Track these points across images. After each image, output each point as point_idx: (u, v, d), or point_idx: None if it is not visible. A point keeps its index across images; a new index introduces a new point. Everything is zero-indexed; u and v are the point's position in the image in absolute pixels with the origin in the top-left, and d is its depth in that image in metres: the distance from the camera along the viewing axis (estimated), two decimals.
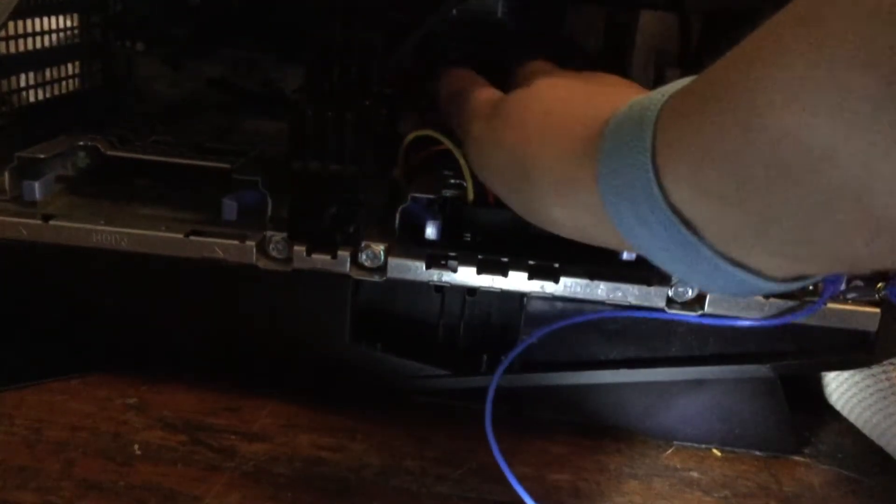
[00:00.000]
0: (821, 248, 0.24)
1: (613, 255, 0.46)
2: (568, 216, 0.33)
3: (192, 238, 0.46)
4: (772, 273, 0.27)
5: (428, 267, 0.45)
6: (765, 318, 0.45)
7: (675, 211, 0.26)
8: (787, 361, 0.47)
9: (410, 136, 0.49)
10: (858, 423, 0.51)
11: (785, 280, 0.27)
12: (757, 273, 0.27)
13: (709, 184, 0.25)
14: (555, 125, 0.33)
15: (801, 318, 0.45)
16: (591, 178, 0.29)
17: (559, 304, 0.47)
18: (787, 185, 0.22)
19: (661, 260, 0.29)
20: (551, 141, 0.33)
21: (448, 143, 0.46)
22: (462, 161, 0.46)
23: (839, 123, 0.20)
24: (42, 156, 0.49)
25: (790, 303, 0.45)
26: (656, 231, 0.27)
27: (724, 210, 0.25)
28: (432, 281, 0.45)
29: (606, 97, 0.33)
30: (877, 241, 0.22)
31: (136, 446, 0.44)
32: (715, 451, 0.48)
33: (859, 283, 0.45)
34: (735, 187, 0.24)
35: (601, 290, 0.45)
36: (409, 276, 0.45)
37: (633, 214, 0.28)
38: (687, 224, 0.26)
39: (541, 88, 0.37)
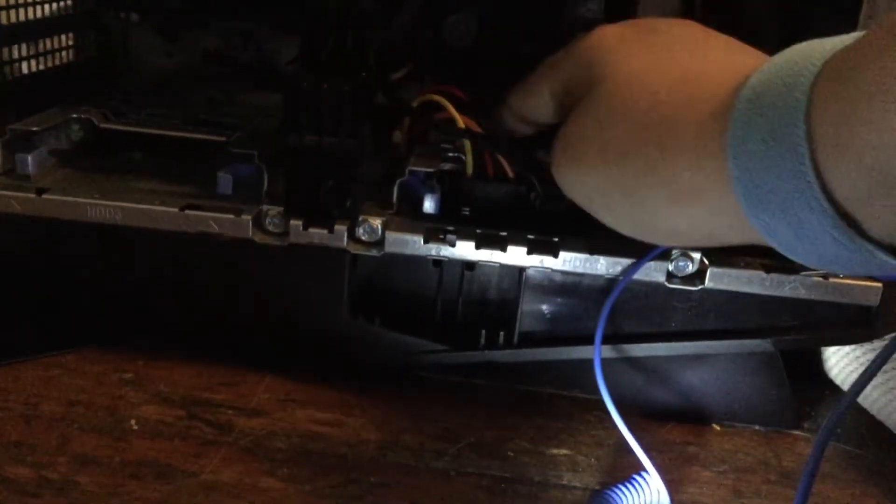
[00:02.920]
0: None
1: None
2: (693, 225, 0.28)
3: (188, 212, 0.45)
4: None
5: (426, 241, 0.45)
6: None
7: (840, 211, 0.22)
8: (788, 336, 0.46)
9: (417, 101, 0.48)
10: (858, 398, 0.50)
11: None
12: None
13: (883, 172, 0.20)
14: (662, 110, 0.28)
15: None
16: (720, 179, 0.25)
17: (558, 278, 0.47)
18: None
19: (812, 261, 0.25)
20: (661, 132, 0.27)
21: (452, 111, 0.45)
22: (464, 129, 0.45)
23: None
24: (35, 128, 0.49)
25: (791, 277, 0.45)
26: (818, 239, 0.23)
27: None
28: (430, 255, 0.45)
29: (719, 65, 0.27)
30: None
31: (133, 421, 0.44)
32: (714, 425, 0.48)
33: None
34: None
35: (601, 265, 0.44)
36: (407, 251, 0.45)
37: (785, 221, 0.23)
38: (850, 223, 0.22)
39: (632, 67, 0.31)
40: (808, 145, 0.21)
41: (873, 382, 0.49)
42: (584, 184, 0.34)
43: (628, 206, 0.31)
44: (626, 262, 0.44)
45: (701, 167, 0.26)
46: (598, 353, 0.44)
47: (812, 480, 0.31)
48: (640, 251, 0.44)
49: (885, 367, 0.48)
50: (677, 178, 0.27)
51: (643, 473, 0.41)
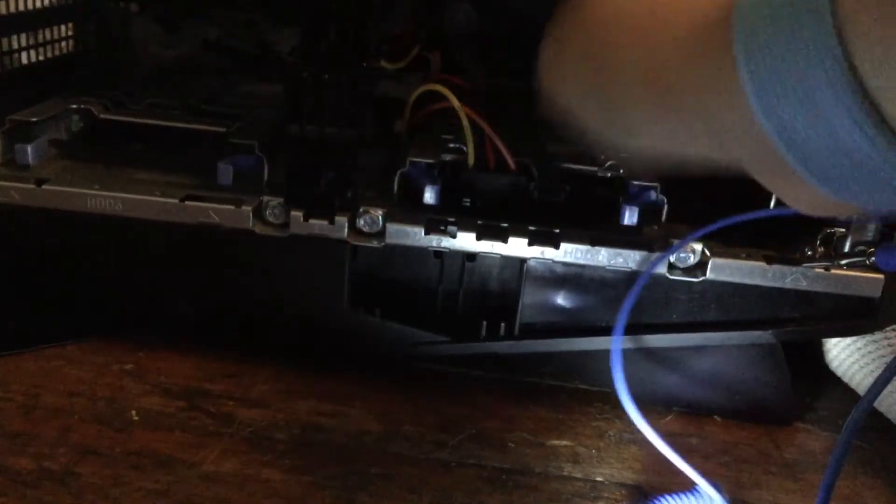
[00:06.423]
0: None
1: (614, 220, 0.46)
2: (683, 127, 0.25)
3: (188, 203, 0.45)
4: None
5: (427, 232, 0.44)
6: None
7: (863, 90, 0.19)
8: (789, 328, 0.46)
9: (418, 91, 0.48)
10: (859, 390, 0.50)
11: None
12: None
13: None
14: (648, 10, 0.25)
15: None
16: (726, 66, 0.22)
17: (559, 270, 0.47)
18: None
19: (825, 164, 0.21)
20: (651, 29, 0.25)
21: (454, 101, 0.45)
22: (465, 121, 0.45)
23: None
24: (35, 119, 0.49)
25: (793, 269, 0.44)
26: (835, 121, 0.20)
27: None
28: (431, 246, 0.45)
29: None
30: None
31: (134, 412, 0.44)
32: (716, 416, 0.48)
33: (862, 247, 0.44)
34: None
35: (602, 256, 0.44)
36: (408, 242, 0.45)
37: (798, 103, 0.21)
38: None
39: None
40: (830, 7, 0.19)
41: (874, 374, 0.49)
42: (566, 93, 0.31)
43: (602, 109, 0.28)
44: (627, 253, 0.44)
45: (703, 63, 0.23)
46: (617, 346, 0.43)
47: (833, 483, 0.31)
48: (639, 243, 0.44)
49: (886, 359, 0.48)
50: (679, 83, 0.24)
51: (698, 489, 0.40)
